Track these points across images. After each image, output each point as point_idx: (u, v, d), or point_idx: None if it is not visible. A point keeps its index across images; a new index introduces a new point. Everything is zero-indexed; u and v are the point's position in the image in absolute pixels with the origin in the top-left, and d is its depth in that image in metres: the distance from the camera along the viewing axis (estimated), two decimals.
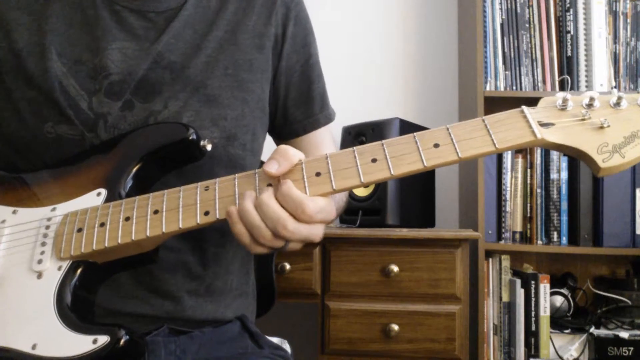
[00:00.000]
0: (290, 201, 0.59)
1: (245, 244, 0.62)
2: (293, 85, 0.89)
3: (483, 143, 0.60)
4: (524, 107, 0.62)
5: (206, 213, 0.63)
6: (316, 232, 0.62)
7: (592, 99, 0.60)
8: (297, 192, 0.60)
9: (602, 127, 0.59)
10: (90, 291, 0.67)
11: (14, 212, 0.70)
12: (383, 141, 0.62)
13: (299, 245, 0.63)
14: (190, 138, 0.71)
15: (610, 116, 0.59)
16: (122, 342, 0.59)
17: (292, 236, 0.60)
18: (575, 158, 0.62)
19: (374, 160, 0.61)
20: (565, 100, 0.61)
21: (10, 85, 0.74)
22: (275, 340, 0.94)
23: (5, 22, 0.76)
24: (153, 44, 0.77)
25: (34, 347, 0.60)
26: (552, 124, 0.60)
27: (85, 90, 0.74)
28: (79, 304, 0.64)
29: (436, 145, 0.61)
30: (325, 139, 0.93)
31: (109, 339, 0.59)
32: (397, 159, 0.61)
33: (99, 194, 0.69)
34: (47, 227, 0.67)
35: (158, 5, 0.79)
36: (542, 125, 0.60)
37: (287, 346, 1.00)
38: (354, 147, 0.63)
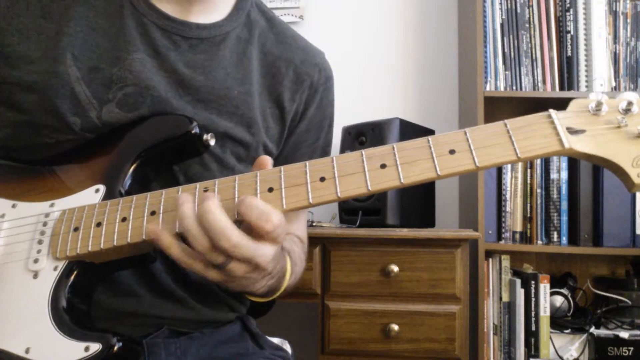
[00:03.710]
0: (256, 210, 0.55)
1: (180, 259, 0.58)
2: (289, 162, 0.88)
3: (504, 152, 0.54)
4: (551, 112, 0.56)
5: None
6: (261, 253, 0.57)
7: (630, 103, 0.53)
8: (262, 203, 0.56)
9: (639, 137, 0.53)
10: (87, 292, 0.66)
11: (14, 206, 0.69)
12: (394, 144, 0.58)
13: (244, 269, 0.57)
14: (193, 132, 0.69)
15: None
16: (114, 349, 0.58)
17: (234, 250, 0.55)
18: (610, 170, 0.56)
19: (383, 166, 0.57)
20: (599, 104, 0.54)
21: (13, 88, 0.73)
22: (276, 340, 0.94)
23: (24, 28, 0.73)
24: (173, 68, 0.75)
25: (27, 350, 0.59)
26: (583, 131, 0.54)
27: (97, 99, 0.72)
28: (75, 306, 0.63)
29: (452, 152, 0.56)
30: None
31: (100, 347, 0.58)
32: (409, 165, 0.56)
33: (97, 191, 0.68)
34: (45, 224, 0.66)
35: (187, 31, 0.77)
36: (572, 132, 0.54)
37: (287, 346, 1.00)
38: (362, 150, 0.58)
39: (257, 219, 0.55)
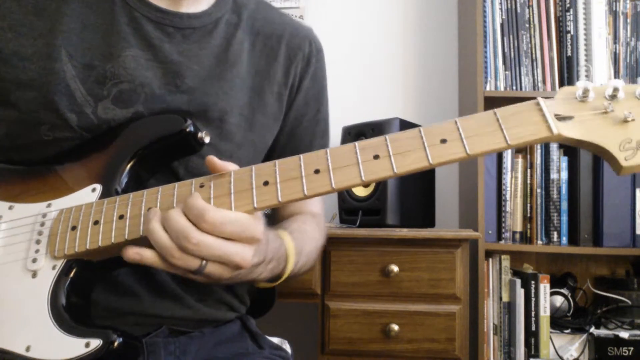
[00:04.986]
0: (193, 209, 0.56)
1: (159, 267, 0.59)
2: (295, 136, 0.89)
3: (494, 139, 0.56)
4: (539, 99, 0.58)
5: None
6: (235, 251, 0.56)
7: (616, 89, 0.55)
8: (201, 201, 0.56)
9: (625, 121, 0.54)
10: (86, 290, 0.67)
11: (10, 207, 0.69)
12: (387, 135, 0.59)
13: (224, 271, 0.58)
14: (188, 130, 0.70)
15: (635, 109, 0.54)
16: (115, 345, 0.59)
17: (198, 249, 0.55)
18: (598, 155, 0.57)
19: (376, 157, 0.58)
20: (586, 91, 0.56)
21: (9, 86, 0.73)
22: (275, 340, 0.94)
23: (17, 25, 0.73)
24: (169, 59, 0.76)
25: (27, 349, 0.60)
26: (571, 118, 0.56)
27: (92, 96, 0.72)
28: (74, 304, 0.63)
29: (443, 141, 0.57)
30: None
31: (101, 342, 0.58)
32: (401, 155, 0.57)
33: (94, 190, 0.68)
34: (42, 224, 0.67)
35: (179, 21, 0.77)
36: (560, 119, 0.56)
37: (287, 346, 1.00)
38: (356, 142, 0.59)
39: (195, 218, 0.55)
